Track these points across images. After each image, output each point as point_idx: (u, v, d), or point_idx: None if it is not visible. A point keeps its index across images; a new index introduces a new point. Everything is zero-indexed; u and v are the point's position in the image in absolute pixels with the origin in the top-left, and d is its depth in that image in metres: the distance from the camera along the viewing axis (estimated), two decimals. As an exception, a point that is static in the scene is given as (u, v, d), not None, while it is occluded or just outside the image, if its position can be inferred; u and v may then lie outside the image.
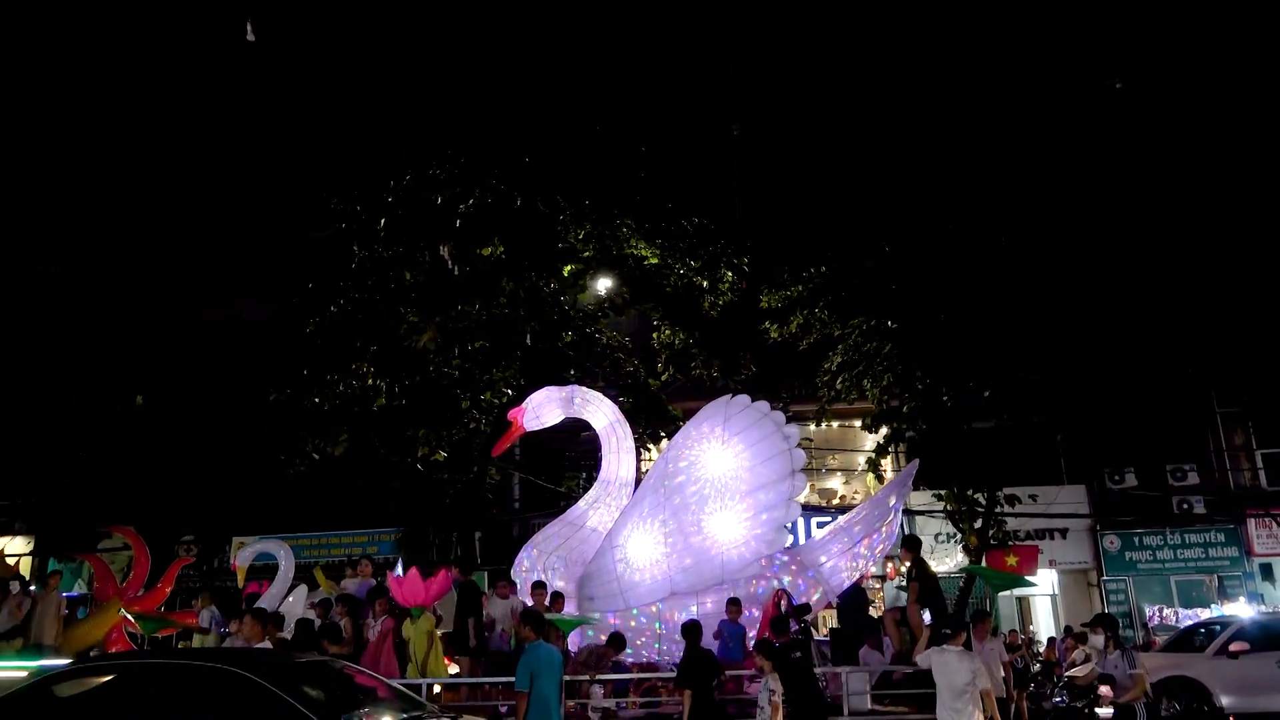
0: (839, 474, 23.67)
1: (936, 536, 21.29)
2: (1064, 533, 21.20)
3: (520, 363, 16.86)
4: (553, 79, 16.68)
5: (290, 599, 11.76)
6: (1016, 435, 17.82)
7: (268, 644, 7.29)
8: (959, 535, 18.21)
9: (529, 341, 16.96)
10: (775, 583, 10.69)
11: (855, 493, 23.43)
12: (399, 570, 11.66)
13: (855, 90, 16.71)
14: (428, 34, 17.27)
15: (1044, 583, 21.36)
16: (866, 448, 19.71)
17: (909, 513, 21.81)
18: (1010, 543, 18.15)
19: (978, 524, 16.98)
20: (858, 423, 19.78)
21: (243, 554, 12.86)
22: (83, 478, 21.12)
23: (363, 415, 16.33)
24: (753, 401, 11.54)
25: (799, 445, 11.17)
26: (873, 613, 14.18)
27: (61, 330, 20.24)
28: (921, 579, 10.32)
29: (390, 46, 17.58)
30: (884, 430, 17.89)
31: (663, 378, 18.61)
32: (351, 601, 10.18)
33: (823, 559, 11.33)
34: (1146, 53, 16.50)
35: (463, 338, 16.21)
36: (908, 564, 10.68)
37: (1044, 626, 21.55)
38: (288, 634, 9.81)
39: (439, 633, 10.27)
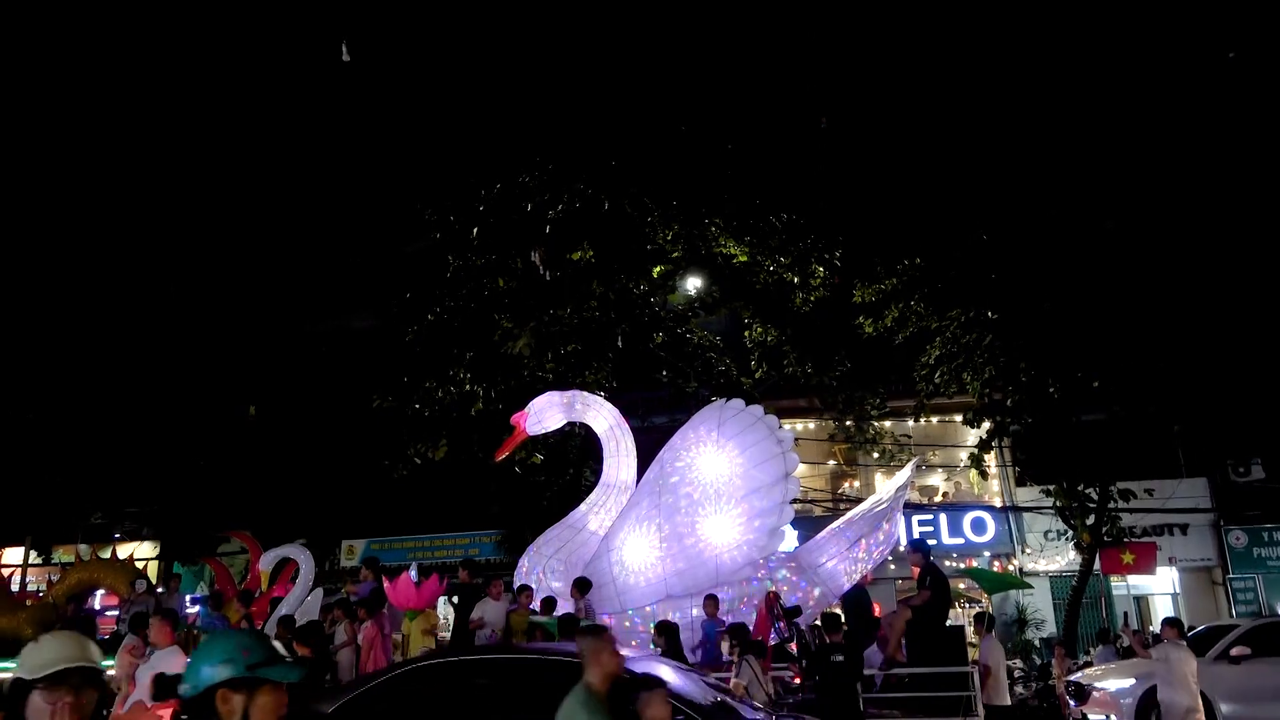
0: (940, 470, 23.06)
1: (1046, 534, 20.57)
2: (1184, 528, 20.18)
3: (613, 365, 17.00)
4: (637, 81, 16.75)
5: (309, 600, 12.20)
6: (1130, 426, 17.08)
7: (176, 648, 7.33)
8: (1070, 532, 17.54)
9: (620, 344, 17.08)
10: (769, 583, 10.59)
11: (958, 488, 22.80)
12: (412, 573, 12.02)
13: (947, 74, 16.26)
14: (511, 43, 17.58)
15: (1164, 581, 20.38)
16: (969, 443, 19.19)
17: (1016, 509, 21.13)
18: (1126, 539, 17.43)
19: (1090, 520, 16.37)
20: (958, 417, 19.23)
21: (265, 558, 13.32)
22: (203, 486, 22.25)
23: (462, 420, 16.74)
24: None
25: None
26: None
27: (182, 347, 21.35)
28: (934, 585, 9.89)
29: (475, 57, 17.97)
30: (986, 425, 17.38)
31: (756, 375, 18.48)
32: (346, 606, 10.54)
33: (822, 560, 11.17)
34: (1259, 22, 15.56)
35: (556, 342, 16.44)
36: (916, 569, 10.31)
37: (1165, 627, 20.51)
38: None
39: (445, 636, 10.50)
